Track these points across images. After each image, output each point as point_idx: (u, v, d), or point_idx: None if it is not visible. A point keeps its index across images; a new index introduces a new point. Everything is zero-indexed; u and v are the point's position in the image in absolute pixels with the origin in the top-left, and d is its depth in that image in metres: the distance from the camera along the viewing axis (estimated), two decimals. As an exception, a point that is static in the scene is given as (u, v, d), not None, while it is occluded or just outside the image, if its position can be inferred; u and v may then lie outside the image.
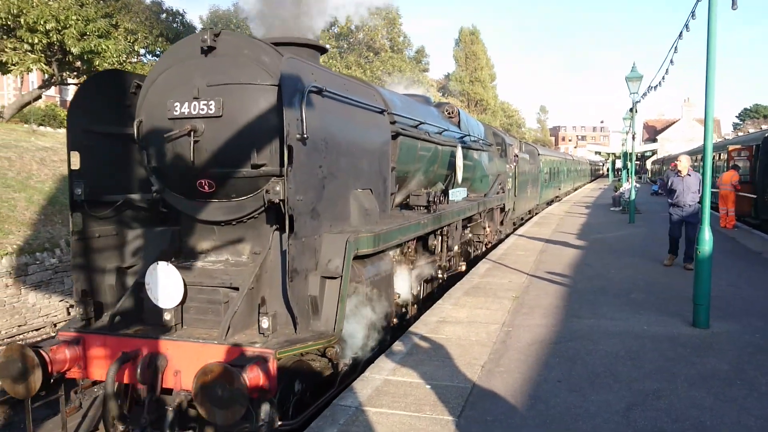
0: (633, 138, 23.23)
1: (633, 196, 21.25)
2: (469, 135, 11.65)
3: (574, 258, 12.64)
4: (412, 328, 7.25)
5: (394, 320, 7.44)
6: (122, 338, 5.37)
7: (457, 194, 10.33)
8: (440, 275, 9.25)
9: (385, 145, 7.17)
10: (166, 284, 5.26)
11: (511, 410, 4.90)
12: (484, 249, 13.16)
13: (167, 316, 5.38)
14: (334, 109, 6.00)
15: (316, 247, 5.59)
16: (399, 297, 7.20)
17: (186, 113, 5.54)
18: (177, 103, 5.57)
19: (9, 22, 19.07)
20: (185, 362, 5.14)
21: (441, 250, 9.16)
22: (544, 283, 9.96)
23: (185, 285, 5.47)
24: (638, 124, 21.99)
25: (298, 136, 5.19)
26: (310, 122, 5.41)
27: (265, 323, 5.08)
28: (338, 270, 5.55)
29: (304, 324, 5.36)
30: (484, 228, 12.36)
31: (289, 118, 5.12)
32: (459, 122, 11.48)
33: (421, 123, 8.75)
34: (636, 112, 21.79)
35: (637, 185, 26.20)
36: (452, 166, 10.18)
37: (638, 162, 59.08)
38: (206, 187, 5.70)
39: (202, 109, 5.50)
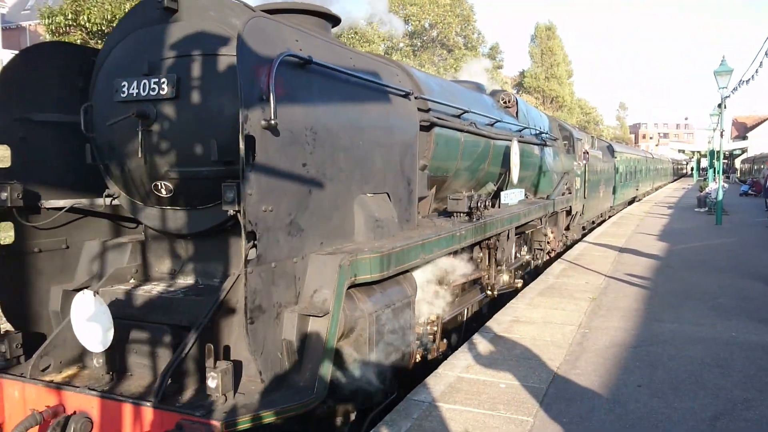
0: (721, 135, 20.93)
1: (720, 197, 18.99)
2: (528, 127, 9.81)
3: (655, 260, 11.64)
4: (486, 325, 6.84)
5: (419, 356, 5.86)
6: (43, 388, 4.01)
7: (512, 196, 8.57)
8: (488, 293, 7.58)
9: (410, 137, 5.55)
10: (90, 321, 3.86)
11: (588, 413, 4.61)
12: (546, 258, 11.31)
13: (97, 363, 4.00)
14: (330, 90, 4.45)
15: (296, 274, 4.06)
16: (422, 330, 5.60)
17: (135, 95, 4.16)
18: (125, 83, 4.20)
19: (104, 28, 19.25)
20: (112, 428, 3.74)
21: (488, 265, 7.46)
22: (622, 285, 9.32)
23: (140, 320, 4.15)
24: (727, 120, 19.62)
25: (263, 122, 3.68)
26: (286, 105, 3.90)
27: (212, 382, 3.60)
28: (326, 305, 4.01)
29: (275, 379, 3.86)
30: (546, 234, 10.51)
31: (249, 98, 3.62)
32: (517, 112, 9.67)
33: (465, 112, 7.08)
34: (725, 108, 19.62)
35: (725, 185, 23.52)
36: (507, 164, 8.44)
37: (726, 161, 54.79)
38: (163, 190, 4.30)
39: (153, 89, 4.10)
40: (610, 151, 20.75)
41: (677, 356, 5.94)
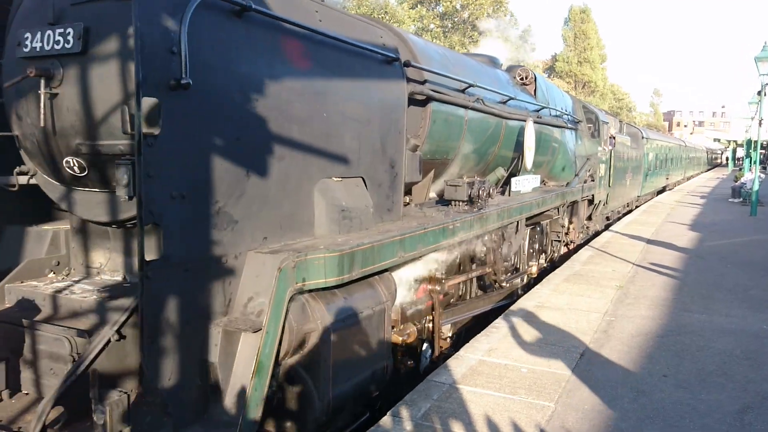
0: (759, 124, 19.49)
1: (756, 187, 17.71)
2: (548, 107, 8.72)
3: (685, 249, 11.05)
4: (510, 310, 6.51)
5: (410, 363, 4.98)
6: None
7: (525, 183, 7.54)
8: (496, 287, 6.64)
9: (395, 110, 4.59)
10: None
11: (611, 401, 4.40)
12: (564, 250, 10.26)
13: (-22, 379, 3.18)
14: (280, 47, 3.50)
15: (226, 277, 3.17)
16: (406, 338, 4.68)
17: (38, 49, 3.28)
18: (28, 34, 3.33)
19: None
20: (-19, 465, 2.92)
21: (494, 260, 6.49)
22: (651, 273, 8.84)
23: (39, 327, 3.30)
24: (766, 108, 18.27)
25: (172, 81, 2.78)
26: (212, 62, 2.99)
27: (98, 417, 2.73)
28: (260, 318, 3.12)
29: (191, 412, 2.99)
30: (563, 225, 9.43)
31: (152, 50, 2.72)
32: (535, 90, 8.59)
33: (471, 86, 6.08)
34: (765, 95, 18.24)
35: (762, 175, 22.03)
36: (521, 147, 7.42)
37: (763, 151, 52.43)
38: (76, 168, 3.44)
39: (58, 42, 3.21)
40: (640, 137, 19.35)
41: (705, 347, 5.63)
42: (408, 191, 5.70)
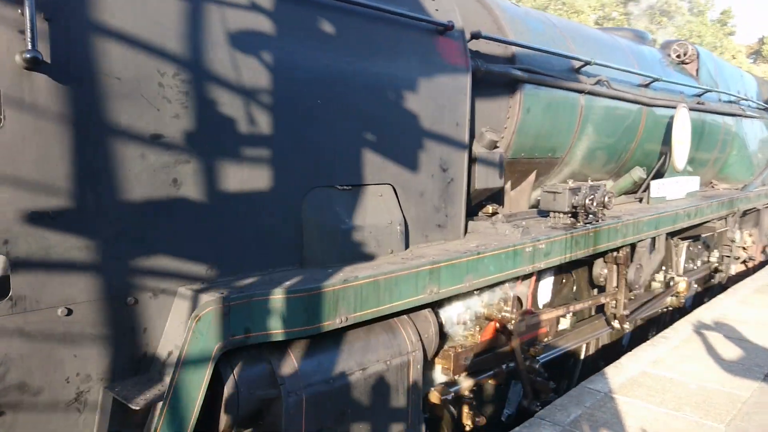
0: None
1: None
2: (715, 91, 6.69)
3: None
4: (683, 320, 5.78)
5: (479, 419, 3.75)
6: None
7: (673, 188, 5.74)
8: (615, 325, 5.09)
9: (447, 96, 3.35)
10: None
11: None
12: (741, 269, 8.03)
13: None
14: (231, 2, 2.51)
15: (139, 323, 2.27)
16: (451, 394, 3.46)
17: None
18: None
19: None
20: None
21: (617, 287, 4.92)
22: None
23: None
24: None
25: (27, 55, 1.92)
26: (92, 26, 2.09)
27: None
28: (165, 383, 2.18)
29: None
30: (733, 240, 7.29)
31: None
32: (698, 70, 6.64)
33: (587, 63, 4.59)
34: None
35: None
36: (669, 141, 5.68)
37: None
38: None
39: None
40: None
41: None
42: (495, 199, 4.42)
